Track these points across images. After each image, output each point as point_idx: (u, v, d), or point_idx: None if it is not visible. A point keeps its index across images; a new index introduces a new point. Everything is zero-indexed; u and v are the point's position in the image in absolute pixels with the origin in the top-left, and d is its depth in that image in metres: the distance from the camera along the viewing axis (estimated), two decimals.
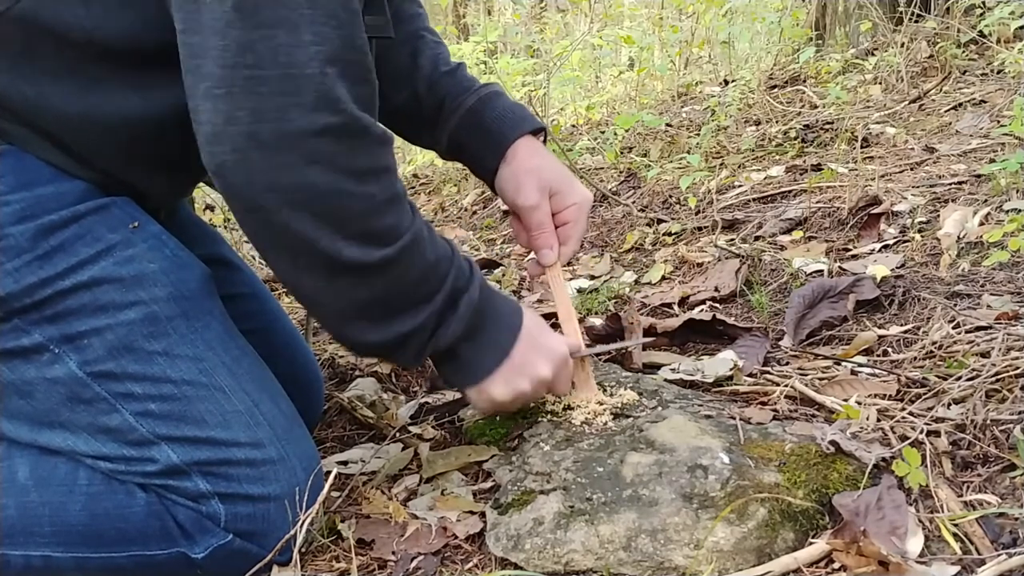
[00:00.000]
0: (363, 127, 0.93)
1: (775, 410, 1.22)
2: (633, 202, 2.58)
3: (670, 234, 2.24)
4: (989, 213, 1.75)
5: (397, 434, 1.37)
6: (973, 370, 1.17)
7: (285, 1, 0.87)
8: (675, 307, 1.78)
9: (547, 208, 1.26)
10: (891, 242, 1.81)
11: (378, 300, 1.01)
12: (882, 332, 1.43)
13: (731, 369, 1.37)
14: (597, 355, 1.51)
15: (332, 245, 0.94)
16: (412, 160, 4.19)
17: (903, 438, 1.08)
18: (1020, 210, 1.68)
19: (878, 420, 1.13)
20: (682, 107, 3.79)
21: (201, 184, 1.38)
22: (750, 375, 1.38)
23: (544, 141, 1.33)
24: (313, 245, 0.93)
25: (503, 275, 2.21)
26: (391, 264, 0.98)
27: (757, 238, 2.03)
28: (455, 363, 1.10)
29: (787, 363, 1.42)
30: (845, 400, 1.20)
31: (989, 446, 1.03)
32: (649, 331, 1.58)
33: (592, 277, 2.11)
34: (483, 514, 1.10)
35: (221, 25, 0.86)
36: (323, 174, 0.91)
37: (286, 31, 0.87)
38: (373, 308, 1.01)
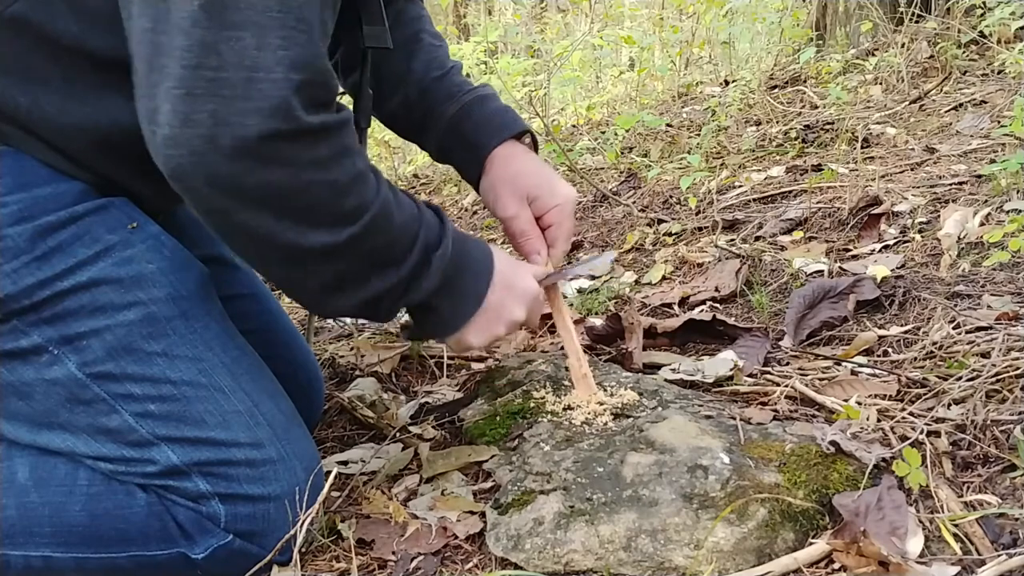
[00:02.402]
0: (318, 126, 0.91)
1: (775, 410, 1.22)
2: (633, 202, 2.58)
3: (670, 234, 2.24)
4: (989, 213, 1.75)
5: (397, 434, 1.37)
6: (973, 370, 1.17)
7: (255, 4, 0.85)
8: (675, 307, 1.78)
9: (527, 215, 1.26)
10: (891, 242, 1.81)
11: (349, 273, 1.01)
12: (882, 332, 1.43)
13: (731, 369, 1.37)
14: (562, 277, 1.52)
15: (297, 235, 0.93)
16: (412, 160, 4.19)
17: (903, 438, 1.08)
18: (1020, 210, 1.68)
19: (878, 420, 1.13)
20: (682, 107, 3.79)
21: None
22: (750, 375, 1.38)
23: (534, 141, 1.32)
24: (279, 238, 0.93)
25: None
26: (359, 239, 0.97)
27: (757, 238, 2.03)
28: (431, 315, 1.11)
29: (787, 363, 1.42)
30: (845, 400, 1.20)
31: (989, 446, 1.03)
32: (649, 331, 1.58)
33: (592, 277, 2.11)
34: (483, 514, 1.10)
35: (188, 24, 0.84)
36: (283, 172, 0.90)
37: (253, 34, 0.85)
38: (344, 281, 1.01)
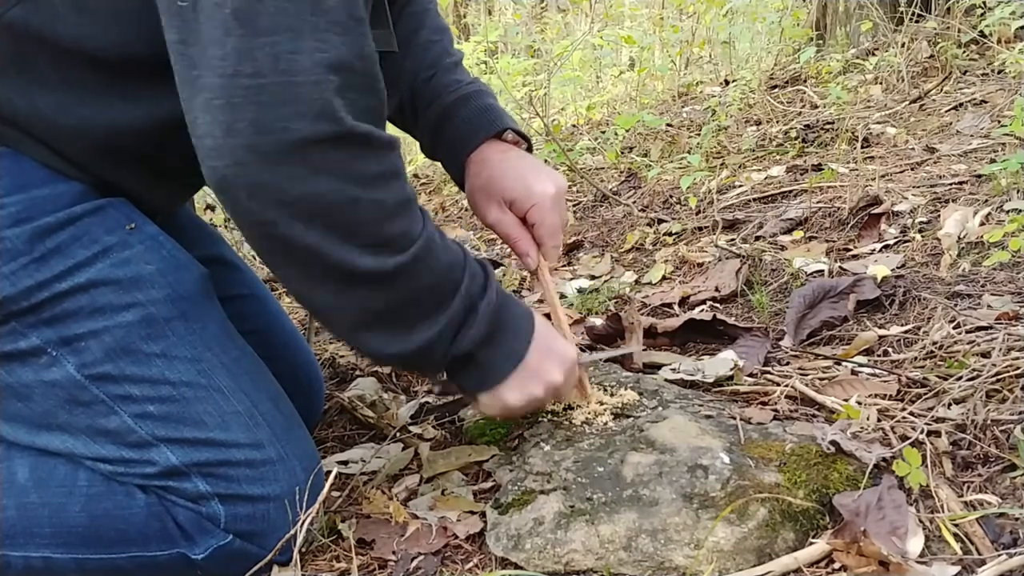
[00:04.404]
0: (365, 135, 0.89)
1: (775, 410, 1.22)
2: (634, 202, 2.58)
3: (671, 234, 2.24)
4: (990, 213, 1.75)
5: (397, 434, 1.37)
6: (973, 370, 1.17)
7: (287, 8, 0.84)
8: (675, 307, 1.78)
9: (509, 219, 1.23)
10: (892, 242, 1.81)
11: (395, 309, 0.98)
12: (882, 332, 1.43)
13: (731, 369, 1.37)
14: (595, 362, 1.51)
15: (345, 255, 0.90)
16: (413, 160, 4.19)
17: (903, 438, 1.08)
18: (1020, 210, 1.68)
19: (878, 420, 1.13)
20: (683, 107, 3.79)
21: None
22: (750, 375, 1.38)
23: (522, 135, 1.29)
24: (325, 257, 0.90)
25: (503, 275, 2.21)
26: (406, 271, 0.94)
27: (758, 238, 2.03)
28: (471, 368, 1.07)
29: (787, 363, 1.42)
30: (845, 400, 1.20)
31: (989, 446, 1.03)
32: (649, 331, 1.58)
33: (592, 277, 2.11)
34: (483, 514, 1.10)
35: (220, 34, 0.82)
36: (330, 183, 0.87)
37: (288, 38, 0.83)
38: (390, 317, 0.98)
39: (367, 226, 0.92)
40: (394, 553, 1.07)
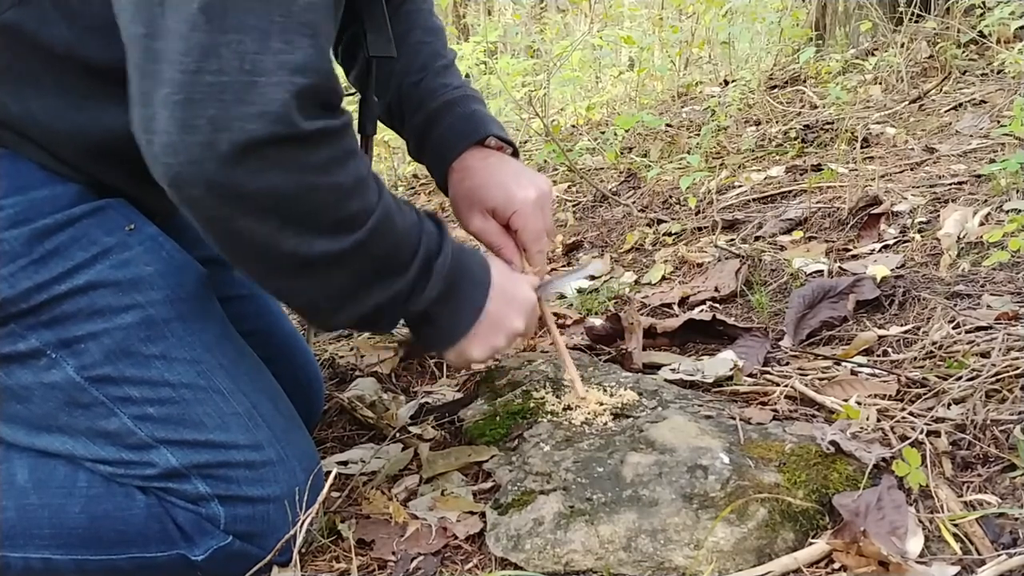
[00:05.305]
0: (319, 131, 0.89)
1: (775, 410, 1.22)
2: (633, 202, 2.58)
3: (670, 234, 2.24)
4: (989, 213, 1.75)
5: (397, 434, 1.37)
6: (973, 370, 1.17)
7: (255, 7, 0.83)
8: (675, 307, 1.78)
9: (492, 227, 1.24)
10: (891, 242, 1.81)
11: (351, 282, 0.98)
12: (882, 332, 1.43)
13: (731, 369, 1.37)
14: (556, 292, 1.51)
15: (301, 243, 0.91)
16: (412, 160, 4.19)
17: (903, 438, 1.08)
18: (1020, 210, 1.68)
19: (878, 420, 1.13)
20: (682, 107, 3.79)
21: None
22: (750, 375, 1.38)
23: (507, 140, 1.28)
24: (282, 246, 0.90)
25: None
26: (364, 246, 0.95)
27: (757, 238, 2.03)
28: (431, 327, 1.08)
29: (787, 363, 1.42)
30: (845, 400, 1.20)
31: (989, 446, 1.03)
32: (649, 331, 1.58)
33: (592, 277, 2.11)
34: (483, 514, 1.10)
35: (185, 28, 0.81)
36: (284, 176, 0.87)
37: (254, 37, 0.83)
38: (345, 291, 0.99)
39: (325, 210, 0.92)
40: (394, 553, 1.07)
